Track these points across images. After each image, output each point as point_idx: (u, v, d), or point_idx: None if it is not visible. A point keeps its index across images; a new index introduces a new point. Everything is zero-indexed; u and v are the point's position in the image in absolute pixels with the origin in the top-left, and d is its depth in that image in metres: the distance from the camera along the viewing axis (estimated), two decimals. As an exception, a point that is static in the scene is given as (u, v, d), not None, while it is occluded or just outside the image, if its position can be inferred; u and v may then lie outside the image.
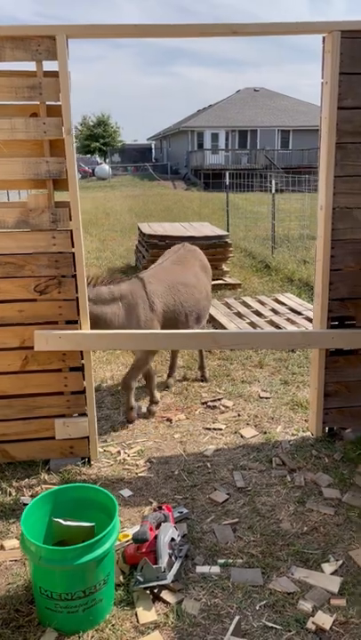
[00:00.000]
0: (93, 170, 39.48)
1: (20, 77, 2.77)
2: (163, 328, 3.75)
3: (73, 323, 3.12)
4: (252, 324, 5.79)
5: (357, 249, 3.21)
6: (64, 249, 3.00)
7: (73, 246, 3.00)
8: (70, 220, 2.97)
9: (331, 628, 2.13)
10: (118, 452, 3.49)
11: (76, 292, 3.06)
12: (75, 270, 3.03)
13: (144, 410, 4.02)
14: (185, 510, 2.85)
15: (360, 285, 3.26)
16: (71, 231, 2.98)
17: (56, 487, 2.47)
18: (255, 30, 2.85)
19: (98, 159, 47.25)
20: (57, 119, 2.82)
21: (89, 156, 47.57)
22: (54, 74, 2.77)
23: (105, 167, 38.59)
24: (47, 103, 2.82)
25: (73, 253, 3.00)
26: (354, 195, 3.12)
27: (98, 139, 46.65)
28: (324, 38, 2.98)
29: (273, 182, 9.36)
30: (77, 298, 3.08)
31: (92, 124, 47.89)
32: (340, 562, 2.48)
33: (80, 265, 3.02)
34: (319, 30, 2.93)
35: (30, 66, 2.78)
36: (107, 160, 45.36)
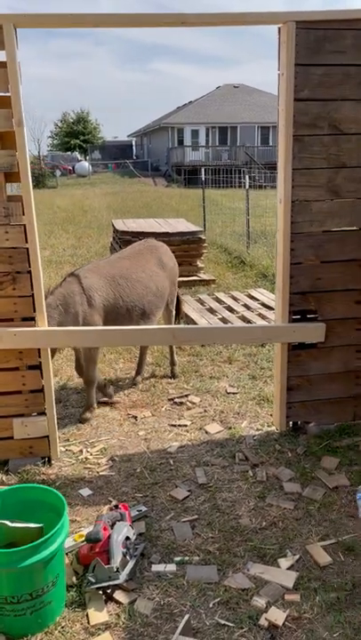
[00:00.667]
0: (73, 167, 39.17)
1: (-33, 68, 2.69)
2: (105, 322, 3.70)
3: (29, 320, 3.06)
4: (224, 320, 5.77)
5: (317, 242, 3.20)
6: (18, 244, 2.93)
7: (27, 241, 2.93)
8: (23, 214, 2.90)
9: (283, 624, 2.11)
10: (80, 451, 3.43)
11: (32, 288, 3.00)
12: (29, 266, 2.96)
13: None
14: (144, 508, 2.81)
15: (321, 279, 3.25)
16: (25, 226, 2.91)
17: (3, 489, 2.41)
18: (207, 20, 2.80)
19: (78, 156, 46.94)
20: (6, 111, 2.75)
21: (69, 153, 47.24)
22: (2, 64, 2.70)
23: (85, 164, 38.32)
24: (-4, 94, 2.75)
25: (27, 249, 2.94)
26: (312, 187, 3.10)
27: (78, 135, 46.38)
28: (279, 29, 2.96)
29: (247, 178, 9.34)
30: (33, 294, 3.01)
31: (71, 120, 47.61)
32: (297, 556, 2.47)
33: (35, 260, 2.96)
34: (274, 21, 2.90)
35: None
36: (87, 157, 45.07)
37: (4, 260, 2.92)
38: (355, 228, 3.23)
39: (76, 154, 47.50)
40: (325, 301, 3.28)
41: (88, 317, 3.59)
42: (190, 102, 39.26)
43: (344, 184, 3.14)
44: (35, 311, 3.04)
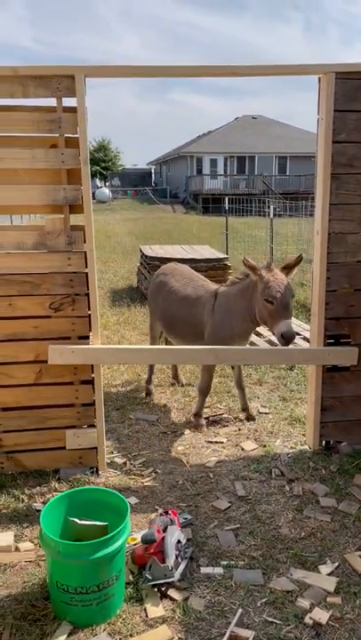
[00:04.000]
0: (94, 193, 40.12)
1: (42, 112, 3.03)
2: None
3: (85, 338, 3.32)
4: (252, 344, 5.98)
5: (351, 271, 3.44)
6: (78, 269, 3.21)
7: (87, 267, 3.21)
8: (85, 242, 3.19)
9: (327, 622, 2.28)
10: (124, 463, 3.65)
11: (89, 309, 3.26)
12: (88, 289, 3.24)
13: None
14: (189, 517, 3.00)
15: (354, 305, 3.48)
16: (85, 252, 3.20)
17: (71, 489, 2.63)
18: (255, 71, 3.12)
19: (98, 183, 48.05)
20: (74, 150, 3.07)
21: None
22: (72, 109, 3.03)
23: (105, 190, 39.23)
24: (65, 135, 3.07)
25: (86, 273, 3.22)
26: (347, 221, 3.36)
27: (98, 163, 47.57)
28: (319, 78, 3.26)
29: (271, 208, 9.67)
30: (89, 315, 3.28)
31: (92, 148, 48.90)
32: (336, 564, 2.64)
33: (93, 284, 3.23)
34: (316, 72, 3.20)
35: (51, 101, 3.04)
36: (107, 184, 46.13)
37: (66, 284, 3.20)
38: (386, 259, 3.47)
39: (97, 180, 48.64)
40: (358, 327, 3.50)
41: None
42: (209, 132, 40.23)
43: (377, 219, 3.39)
44: (90, 330, 3.30)
